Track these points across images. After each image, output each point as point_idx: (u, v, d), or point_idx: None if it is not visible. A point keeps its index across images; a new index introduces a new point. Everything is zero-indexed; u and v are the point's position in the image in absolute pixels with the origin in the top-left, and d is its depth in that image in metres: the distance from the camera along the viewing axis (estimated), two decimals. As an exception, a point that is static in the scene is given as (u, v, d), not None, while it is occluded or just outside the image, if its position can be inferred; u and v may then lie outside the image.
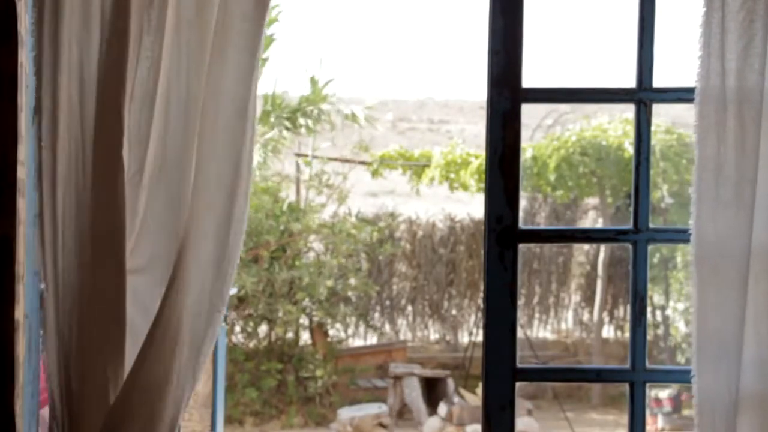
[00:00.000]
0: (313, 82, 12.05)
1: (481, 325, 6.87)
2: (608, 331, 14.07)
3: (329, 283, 12.03)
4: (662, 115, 13.27)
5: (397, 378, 11.81)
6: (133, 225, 2.49)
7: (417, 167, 13.90)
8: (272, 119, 11.86)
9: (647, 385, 2.69)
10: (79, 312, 2.47)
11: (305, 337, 12.63)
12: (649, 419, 9.59)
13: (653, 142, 6.74)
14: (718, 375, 2.51)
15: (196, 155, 2.48)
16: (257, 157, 11.63)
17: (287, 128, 11.97)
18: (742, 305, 2.50)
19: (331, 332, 12.84)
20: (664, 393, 11.45)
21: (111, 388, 2.46)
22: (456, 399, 11.35)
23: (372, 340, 13.81)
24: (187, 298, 2.47)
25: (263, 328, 12.25)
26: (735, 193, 2.50)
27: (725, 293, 2.51)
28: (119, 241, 2.45)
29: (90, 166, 2.47)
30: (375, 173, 14.02)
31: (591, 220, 14.38)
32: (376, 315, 14.12)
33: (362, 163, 14.16)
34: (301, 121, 11.94)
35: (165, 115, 2.49)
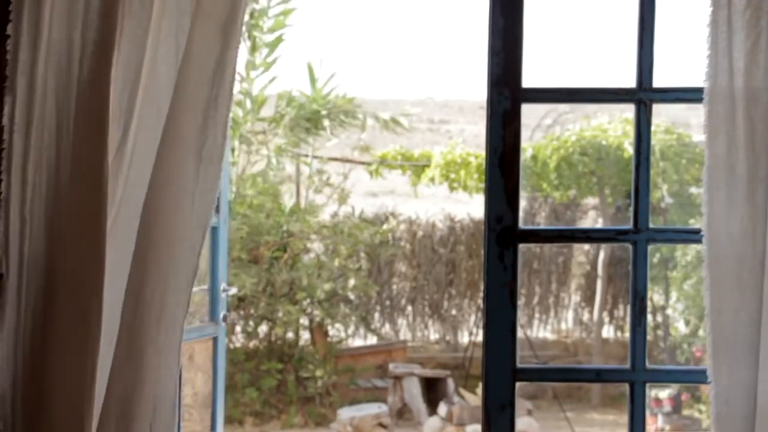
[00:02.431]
0: (311, 70, 11.96)
1: (481, 325, 6.86)
2: (608, 331, 14.06)
3: (329, 283, 12.03)
4: (662, 115, 13.26)
5: (397, 378, 11.79)
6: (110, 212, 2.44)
7: (417, 167, 13.90)
8: (286, 120, 11.67)
9: (647, 385, 2.69)
10: (46, 302, 2.41)
11: (305, 337, 12.62)
12: (649, 419, 9.58)
13: (653, 142, 6.73)
14: (735, 381, 2.46)
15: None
16: (273, 160, 11.52)
17: (307, 129, 11.81)
18: (757, 308, 2.44)
19: (331, 332, 12.83)
20: (664, 393, 11.44)
21: (86, 388, 2.39)
22: (456, 399, 11.34)
23: (372, 340, 13.80)
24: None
25: (263, 328, 12.23)
26: (747, 193, 2.47)
27: (740, 296, 2.46)
28: (100, 228, 2.38)
29: (70, 151, 2.41)
30: (375, 173, 14.01)
31: (591, 220, 14.37)
32: (376, 315, 14.12)
33: (362, 163, 14.15)
34: (326, 122, 11.81)
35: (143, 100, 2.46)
